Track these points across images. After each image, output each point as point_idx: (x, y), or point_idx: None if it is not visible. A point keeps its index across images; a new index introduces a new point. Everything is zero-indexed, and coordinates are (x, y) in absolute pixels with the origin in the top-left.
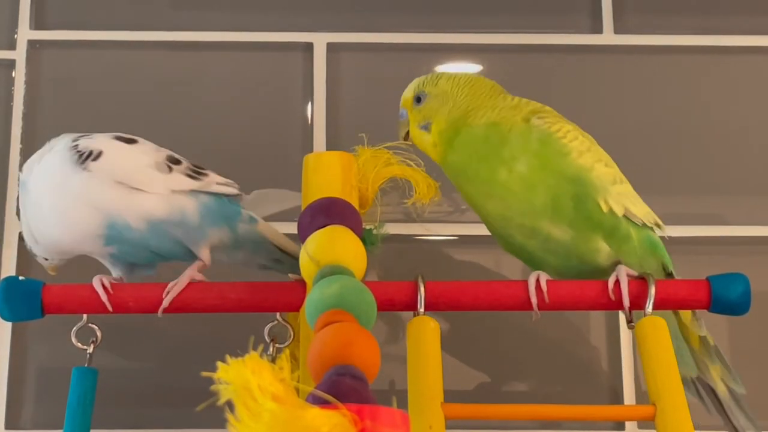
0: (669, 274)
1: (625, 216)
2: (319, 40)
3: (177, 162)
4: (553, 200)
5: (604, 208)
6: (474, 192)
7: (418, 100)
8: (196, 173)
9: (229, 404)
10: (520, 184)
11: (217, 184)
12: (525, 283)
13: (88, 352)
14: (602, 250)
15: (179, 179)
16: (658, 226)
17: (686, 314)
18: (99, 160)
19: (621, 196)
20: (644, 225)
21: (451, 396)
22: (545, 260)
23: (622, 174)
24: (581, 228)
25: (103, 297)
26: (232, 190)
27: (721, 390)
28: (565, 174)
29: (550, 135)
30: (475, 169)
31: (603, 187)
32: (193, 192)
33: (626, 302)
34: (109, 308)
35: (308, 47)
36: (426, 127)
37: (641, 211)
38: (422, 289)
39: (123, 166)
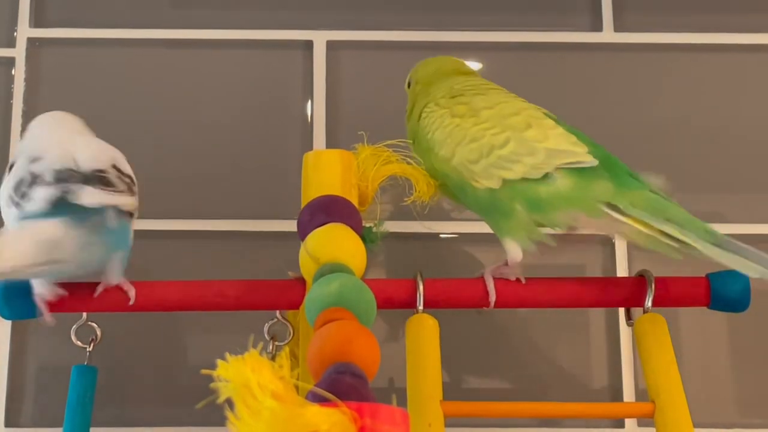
0: (614, 207)
1: (526, 179)
2: (319, 38)
3: None
4: (460, 192)
5: (480, 186)
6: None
7: (408, 86)
8: None
9: (229, 402)
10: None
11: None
12: (526, 279)
13: (87, 350)
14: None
15: None
16: (576, 155)
17: None
18: None
19: (492, 167)
20: (550, 173)
21: (450, 394)
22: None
23: (509, 133)
24: (500, 213)
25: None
26: None
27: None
28: (438, 171)
29: (422, 132)
30: (422, 159)
31: (468, 169)
32: None
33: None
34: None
35: (308, 45)
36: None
37: (531, 161)
38: (421, 287)
39: None
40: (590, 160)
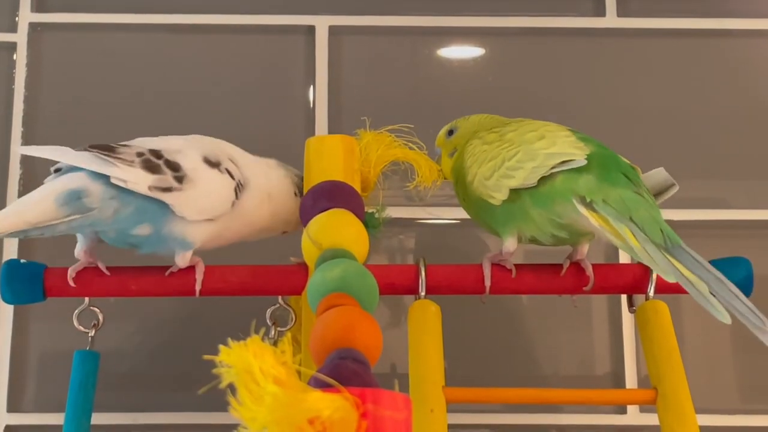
0: (589, 203)
1: (529, 188)
2: (321, 23)
3: None
4: (484, 214)
5: (497, 202)
6: None
7: (450, 133)
8: None
9: (231, 387)
10: None
11: None
12: (528, 266)
13: (89, 335)
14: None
15: None
16: (568, 155)
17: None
18: None
19: (502, 178)
20: (546, 175)
21: (452, 379)
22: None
23: (521, 147)
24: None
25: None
26: None
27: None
28: (470, 198)
29: (463, 166)
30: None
31: (485, 186)
32: None
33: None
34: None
35: (310, 30)
36: (452, 154)
37: (531, 166)
38: (423, 272)
39: None
40: (580, 160)
